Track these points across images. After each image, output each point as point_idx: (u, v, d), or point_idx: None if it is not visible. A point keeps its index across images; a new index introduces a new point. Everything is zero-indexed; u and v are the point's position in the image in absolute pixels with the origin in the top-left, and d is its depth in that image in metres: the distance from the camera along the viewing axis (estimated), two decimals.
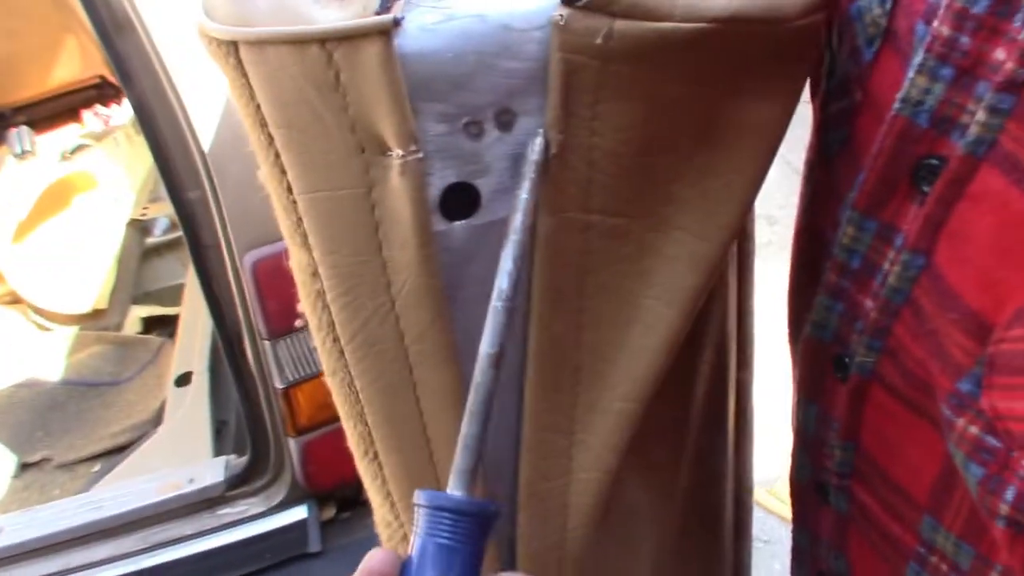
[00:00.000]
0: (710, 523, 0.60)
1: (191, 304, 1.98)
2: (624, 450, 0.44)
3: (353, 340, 0.41)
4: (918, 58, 0.35)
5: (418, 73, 0.33)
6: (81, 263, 2.25)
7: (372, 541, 1.47)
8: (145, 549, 1.40)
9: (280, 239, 1.21)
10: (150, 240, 2.36)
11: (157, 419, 1.82)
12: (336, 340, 0.41)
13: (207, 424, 1.61)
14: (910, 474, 0.43)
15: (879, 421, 0.44)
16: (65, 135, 2.93)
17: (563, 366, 0.42)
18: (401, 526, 0.49)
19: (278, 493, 1.41)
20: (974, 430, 0.36)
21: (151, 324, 2.22)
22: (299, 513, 1.41)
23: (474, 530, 0.32)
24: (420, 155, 0.34)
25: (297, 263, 0.41)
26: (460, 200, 0.37)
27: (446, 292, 0.39)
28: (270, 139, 0.37)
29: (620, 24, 0.33)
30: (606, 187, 0.38)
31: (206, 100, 1.17)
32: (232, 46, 0.35)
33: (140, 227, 2.35)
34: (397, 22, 0.32)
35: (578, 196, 0.38)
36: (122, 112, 3.20)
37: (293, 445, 1.34)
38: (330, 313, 0.41)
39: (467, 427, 0.35)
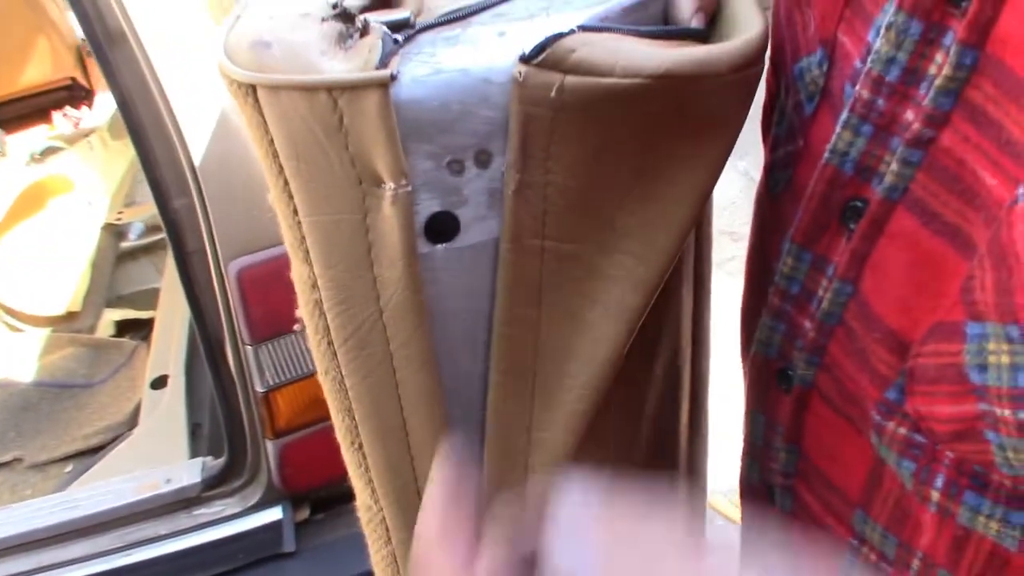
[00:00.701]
0: None
1: (166, 308, 2.00)
2: (576, 447, 0.50)
3: (345, 344, 0.47)
4: (844, 115, 0.41)
5: (410, 118, 0.39)
6: (55, 265, 2.26)
7: (345, 542, 1.51)
8: (120, 548, 1.43)
9: (264, 248, 1.26)
10: (125, 244, 2.38)
11: (131, 421, 1.84)
12: (330, 343, 0.47)
13: (183, 426, 1.64)
14: (844, 473, 0.48)
15: (817, 427, 0.50)
16: (34, 136, 2.94)
17: (522, 371, 0.48)
18: (380, 510, 0.56)
19: (254, 494, 1.44)
20: (903, 431, 0.42)
21: (124, 328, 2.24)
22: (274, 514, 1.44)
23: None
24: (409, 188, 0.40)
25: (298, 275, 0.47)
26: (442, 226, 0.43)
27: (427, 305, 0.45)
28: (280, 168, 0.43)
29: (569, 79, 0.39)
30: (558, 217, 0.44)
31: (198, 111, 1.21)
32: (251, 88, 0.40)
33: (115, 231, 2.36)
34: (394, 77, 0.38)
35: (534, 225, 0.44)
36: (93, 115, 3.21)
37: (271, 447, 1.37)
38: (326, 320, 0.47)
39: None
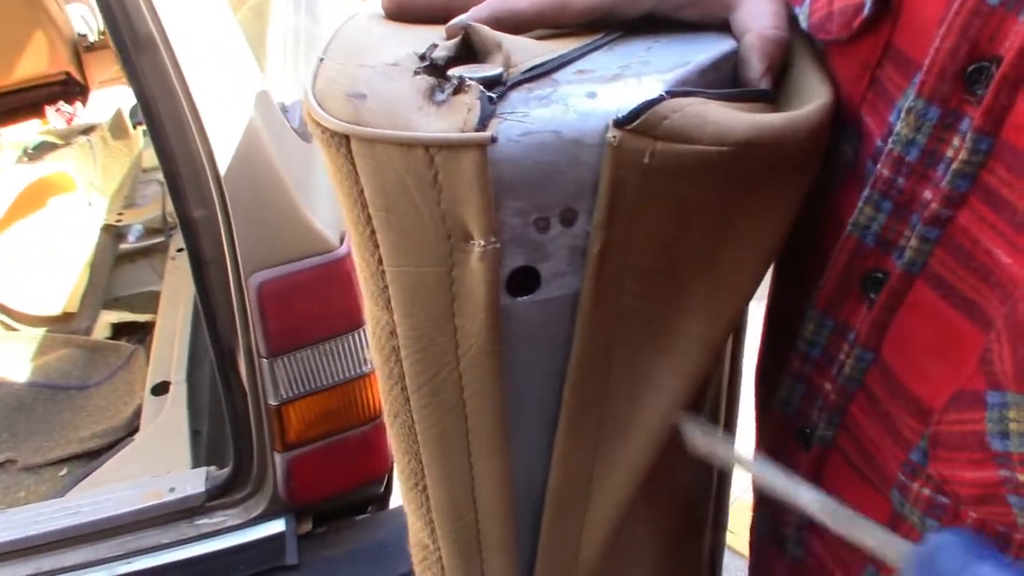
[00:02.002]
0: (692, 551, 0.68)
1: (167, 312, 1.99)
2: (635, 493, 0.52)
3: (419, 390, 0.48)
4: (866, 192, 0.43)
5: (502, 177, 0.40)
6: (53, 265, 2.24)
7: (347, 556, 1.51)
8: (120, 556, 1.42)
9: (286, 263, 1.25)
10: (123, 246, 2.37)
11: (128, 426, 1.83)
12: (404, 389, 0.48)
13: (185, 434, 1.63)
14: None
15: (835, 483, 0.51)
16: (25, 131, 2.92)
17: (588, 420, 0.50)
18: (438, 550, 0.56)
19: (258, 505, 1.44)
20: (927, 491, 0.44)
21: (120, 330, 2.22)
22: (277, 526, 1.44)
23: None
24: (498, 245, 0.41)
25: (375, 320, 0.48)
26: (523, 280, 0.44)
27: (503, 355, 0.45)
28: (368, 218, 0.43)
29: (660, 145, 0.40)
30: (637, 276, 0.45)
31: (225, 121, 1.20)
32: (344, 138, 0.41)
33: (114, 232, 2.35)
34: (494, 139, 0.38)
35: (614, 283, 0.45)
36: (87, 111, 3.18)
37: (279, 460, 1.37)
38: (402, 367, 0.47)
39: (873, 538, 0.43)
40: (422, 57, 0.43)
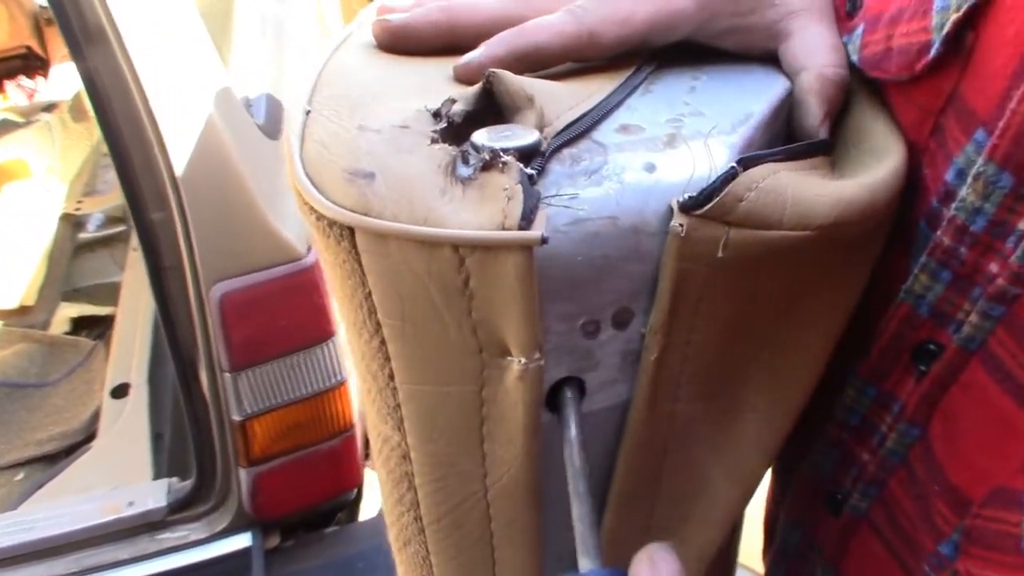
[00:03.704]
0: None
1: (128, 308, 1.91)
2: None
3: (438, 522, 0.40)
4: (922, 258, 0.38)
5: (546, 276, 0.32)
6: (8, 256, 2.15)
7: (316, 571, 1.45)
8: (76, 573, 1.35)
9: (249, 272, 1.18)
10: (83, 235, 2.27)
11: (87, 429, 1.75)
12: (418, 519, 0.41)
13: (146, 441, 1.56)
14: None
15: (862, 556, 0.47)
16: None
17: (634, 533, 0.43)
18: None
19: (222, 519, 1.38)
20: None
21: (80, 324, 2.14)
22: (243, 540, 1.38)
23: None
24: (542, 362, 0.33)
25: (383, 440, 0.40)
26: (564, 389, 0.37)
27: (540, 481, 0.38)
28: (377, 327, 0.35)
29: (734, 233, 0.33)
30: (695, 378, 0.38)
31: (183, 120, 1.13)
32: (347, 230, 0.32)
33: (73, 221, 2.25)
34: (544, 240, 0.30)
35: (670, 389, 0.38)
36: (48, 86, 3.08)
37: (243, 475, 1.31)
38: (416, 494, 0.40)
39: (579, 509, 0.34)
40: (436, 114, 0.34)
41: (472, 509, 0.39)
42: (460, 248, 0.30)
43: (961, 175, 0.35)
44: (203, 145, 1.13)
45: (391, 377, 0.36)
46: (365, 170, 0.32)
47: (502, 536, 0.40)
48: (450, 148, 0.32)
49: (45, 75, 3.18)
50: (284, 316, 1.17)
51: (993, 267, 0.35)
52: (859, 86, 0.42)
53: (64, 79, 2.86)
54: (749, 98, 0.39)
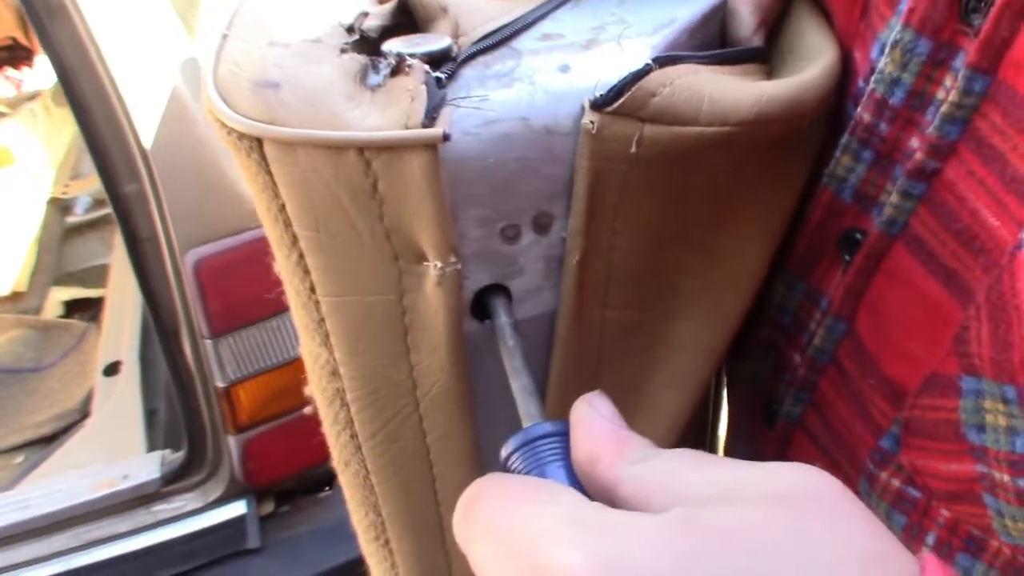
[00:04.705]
0: None
1: (117, 288, 1.92)
2: None
3: (373, 438, 0.40)
4: (844, 138, 0.37)
5: (458, 179, 0.32)
6: None
7: (312, 536, 1.45)
8: (76, 548, 1.37)
9: (223, 237, 1.18)
10: (71, 219, 2.28)
11: (83, 409, 1.77)
12: (353, 436, 0.40)
13: (139, 416, 1.57)
14: None
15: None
16: None
17: None
18: None
19: (216, 489, 1.39)
20: (896, 483, 0.39)
21: (72, 307, 2.15)
22: (238, 508, 1.39)
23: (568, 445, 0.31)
24: (458, 266, 0.33)
25: (314, 358, 0.40)
26: (491, 297, 0.37)
27: (471, 391, 0.38)
28: (294, 239, 0.35)
29: (648, 129, 0.32)
30: (622, 284, 0.38)
31: (149, 92, 1.13)
32: (256, 141, 0.32)
33: (61, 205, 2.26)
34: (447, 136, 0.30)
35: (597, 295, 0.38)
36: (35, 76, 3.07)
37: (233, 443, 1.32)
38: (349, 411, 0.40)
39: (517, 382, 0.34)
40: (350, 29, 0.34)
41: (405, 422, 0.39)
42: (365, 151, 0.30)
43: (883, 49, 0.34)
44: (170, 115, 1.13)
45: (312, 290, 0.36)
46: (272, 80, 0.32)
47: (439, 450, 0.40)
48: (360, 57, 0.32)
49: (31, 65, 3.17)
50: (260, 280, 1.17)
51: (913, 142, 0.34)
52: None
53: (48, 68, 2.85)
54: (677, 5, 0.38)
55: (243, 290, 1.19)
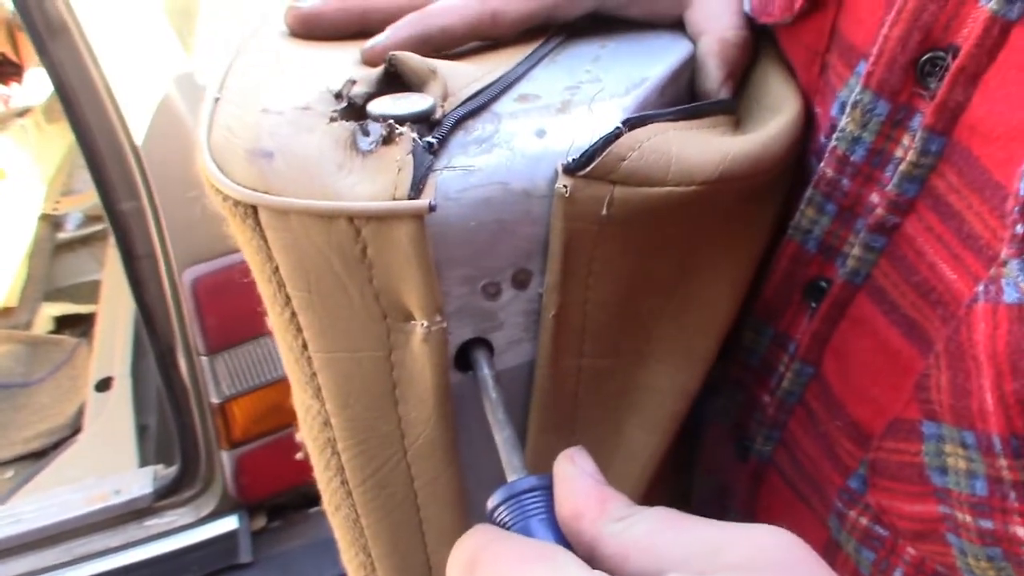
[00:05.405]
0: None
1: (109, 304, 1.93)
2: None
3: (363, 484, 0.42)
4: (808, 191, 0.39)
5: (442, 242, 0.34)
6: None
7: (304, 550, 1.46)
8: (68, 562, 1.38)
9: (220, 256, 1.20)
10: (62, 235, 2.29)
11: (74, 424, 1.77)
12: (344, 482, 0.42)
13: (131, 431, 1.58)
14: None
15: (771, 502, 0.48)
16: None
17: None
18: None
19: (208, 503, 1.40)
20: (864, 521, 0.41)
21: (63, 322, 2.15)
22: (230, 523, 1.41)
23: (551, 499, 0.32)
24: (444, 324, 0.35)
25: (306, 409, 0.41)
26: (473, 351, 0.39)
27: (455, 440, 0.40)
28: (287, 300, 0.36)
29: (619, 191, 0.34)
30: (597, 334, 0.39)
31: (147, 108, 1.14)
32: (251, 208, 0.34)
33: (52, 221, 2.27)
34: (432, 207, 0.31)
35: (573, 345, 0.39)
36: (23, 92, 3.07)
37: (226, 458, 1.33)
38: (340, 459, 0.41)
39: (500, 434, 0.36)
40: (338, 96, 0.35)
41: (394, 470, 0.41)
42: (355, 219, 0.32)
43: (843, 108, 0.36)
44: (168, 132, 1.15)
45: (304, 347, 0.38)
46: (265, 149, 0.33)
47: (426, 495, 0.42)
48: (348, 124, 0.34)
49: (20, 81, 3.17)
50: (257, 298, 1.19)
51: (874, 197, 0.36)
52: (767, 44, 0.44)
53: (38, 84, 2.86)
54: (648, 63, 0.40)
55: (239, 308, 1.20)
